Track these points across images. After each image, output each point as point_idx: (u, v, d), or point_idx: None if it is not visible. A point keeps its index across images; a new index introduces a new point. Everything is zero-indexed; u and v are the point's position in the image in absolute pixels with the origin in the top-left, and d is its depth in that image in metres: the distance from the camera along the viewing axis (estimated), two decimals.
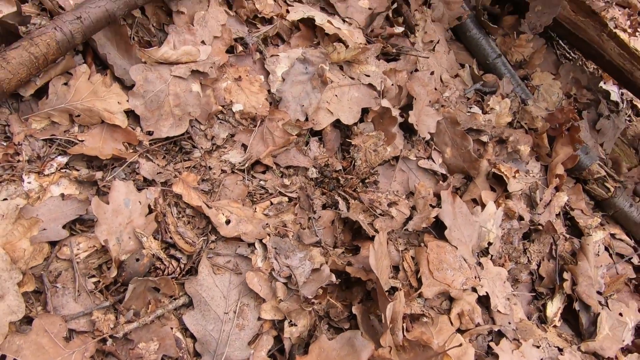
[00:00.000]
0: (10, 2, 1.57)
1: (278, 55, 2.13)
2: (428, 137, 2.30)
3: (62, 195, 1.52)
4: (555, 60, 3.12)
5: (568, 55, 3.33)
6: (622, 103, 3.58)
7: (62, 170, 1.58)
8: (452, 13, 2.86)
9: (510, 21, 3.07)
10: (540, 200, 2.53)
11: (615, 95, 3.47)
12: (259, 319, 1.62)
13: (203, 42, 2.00)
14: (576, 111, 2.91)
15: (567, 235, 2.60)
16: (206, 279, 1.61)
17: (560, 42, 3.31)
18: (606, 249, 2.73)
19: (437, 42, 2.75)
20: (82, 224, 1.53)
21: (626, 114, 3.65)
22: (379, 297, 1.71)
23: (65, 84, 1.67)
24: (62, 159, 1.61)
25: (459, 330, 1.99)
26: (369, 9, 2.59)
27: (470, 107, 2.61)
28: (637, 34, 4.55)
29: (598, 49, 3.01)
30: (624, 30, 4.47)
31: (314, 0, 2.52)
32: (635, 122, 3.55)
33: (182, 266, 1.61)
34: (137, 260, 1.51)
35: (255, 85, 2.07)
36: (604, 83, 3.36)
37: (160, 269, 1.55)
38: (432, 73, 2.46)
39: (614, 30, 3.00)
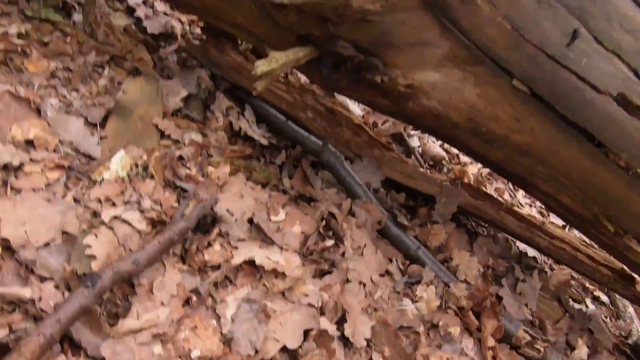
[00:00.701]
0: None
1: (226, 300, 2.55)
2: (365, 344, 2.66)
3: None
4: (469, 239, 3.68)
5: (479, 229, 3.91)
6: (541, 256, 4.11)
7: None
8: (373, 218, 3.43)
9: (424, 212, 3.67)
10: None
11: (531, 251, 4.00)
12: None
13: (162, 303, 2.41)
14: (493, 284, 3.38)
15: None
16: None
17: (470, 219, 3.91)
18: None
19: (365, 246, 3.26)
20: None
21: (546, 264, 4.16)
22: None
23: None
24: None
25: None
26: (302, 232, 3.12)
27: (402, 301, 3.02)
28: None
29: (500, 225, 3.59)
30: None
31: (255, 234, 3.04)
32: (557, 271, 4.04)
33: None
34: None
35: (209, 330, 2.45)
36: (517, 247, 3.91)
37: None
38: (360, 283, 2.91)
39: (510, 207, 3.62)
